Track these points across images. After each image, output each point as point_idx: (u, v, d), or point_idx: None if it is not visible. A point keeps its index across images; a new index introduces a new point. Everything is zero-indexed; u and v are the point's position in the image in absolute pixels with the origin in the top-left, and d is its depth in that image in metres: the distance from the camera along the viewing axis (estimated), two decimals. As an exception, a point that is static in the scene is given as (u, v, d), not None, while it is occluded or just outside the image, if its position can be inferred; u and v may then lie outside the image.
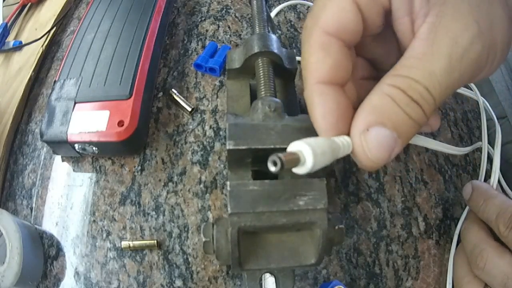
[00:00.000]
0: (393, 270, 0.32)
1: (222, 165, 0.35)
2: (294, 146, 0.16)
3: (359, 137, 0.17)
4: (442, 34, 0.17)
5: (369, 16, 0.20)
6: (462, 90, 0.40)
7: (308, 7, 0.46)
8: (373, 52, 0.24)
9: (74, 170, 0.36)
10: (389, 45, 0.23)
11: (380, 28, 0.21)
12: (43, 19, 0.46)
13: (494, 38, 0.18)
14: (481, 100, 0.38)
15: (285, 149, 0.22)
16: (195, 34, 0.43)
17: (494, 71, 0.20)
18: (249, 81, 0.30)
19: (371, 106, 0.18)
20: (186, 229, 0.33)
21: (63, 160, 0.36)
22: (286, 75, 0.30)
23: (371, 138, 0.17)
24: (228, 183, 0.21)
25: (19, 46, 0.43)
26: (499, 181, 0.33)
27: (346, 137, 0.18)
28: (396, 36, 0.22)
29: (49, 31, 0.44)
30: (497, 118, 0.37)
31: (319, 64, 0.19)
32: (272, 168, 0.15)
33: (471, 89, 0.40)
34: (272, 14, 0.42)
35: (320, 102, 0.19)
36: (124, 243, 0.31)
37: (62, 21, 0.47)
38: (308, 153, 0.16)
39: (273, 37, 0.29)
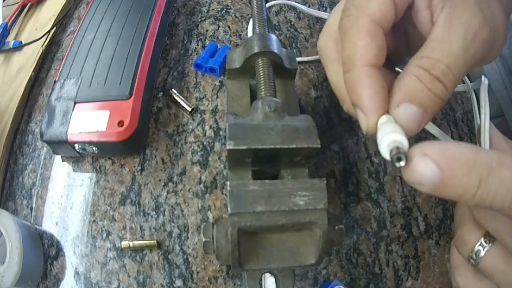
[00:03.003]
0: (393, 270, 0.32)
1: (222, 165, 0.35)
2: (395, 138, 0.18)
3: (392, 113, 0.20)
4: (456, 20, 0.20)
5: (398, 9, 0.22)
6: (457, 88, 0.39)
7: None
8: (388, 45, 0.25)
9: (74, 170, 0.36)
10: (400, 40, 0.26)
11: (397, 21, 0.23)
12: (43, 19, 0.46)
13: (496, 25, 0.21)
14: (472, 91, 0.36)
15: (285, 149, 0.22)
16: (195, 34, 0.43)
17: (496, 56, 0.23)
18: (249, 81, 0.30)
19: (400, 85, 0.20)
20: (186, 229, 0.33)
21: (63, 160, 0.36)
22: (286, 75, 0.30)
23: (400, 114, 0.19)
24: (228, 183, 0.21)
25: (19, 46, 0.43)
26: None
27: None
28: (407, 31, 0.25)
29: (49, 31, 0.44)
30: (495, 117, 0.36)
31: (368, 48, 0.21)
32: (401, 164, 0.17)
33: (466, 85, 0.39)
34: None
35: (370, 84, 0.20)
36: (124, 243, 0.31)
37: (62, 21, 0.47)
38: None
39: (273, 37, 0.29)
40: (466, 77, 0.38)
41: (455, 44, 0.20)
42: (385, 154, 0.18)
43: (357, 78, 0.21)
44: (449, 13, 0.21)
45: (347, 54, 0.21)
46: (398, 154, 0.17)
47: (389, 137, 0.18)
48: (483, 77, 0.27)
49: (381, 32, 0.21)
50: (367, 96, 0.20)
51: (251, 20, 0.41)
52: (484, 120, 0.25)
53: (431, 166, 0.17)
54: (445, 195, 0.18)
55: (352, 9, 0.22)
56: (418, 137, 0.36)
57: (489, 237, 0.22)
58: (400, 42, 0.26)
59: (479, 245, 0.22)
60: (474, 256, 0.22)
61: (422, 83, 0.20)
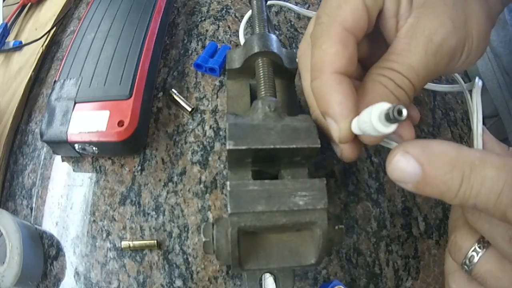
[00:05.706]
0: (393, 270, 0.32)
1: (222, 165, 0.35)
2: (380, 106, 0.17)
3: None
4: (419, 33, 0.20)
5: (371, 16, 0.22)
6: (451, 87, 0.38)
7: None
8: (364, 52, 0.25)
9: (74, 170, 0.36)
10: (378, 46, 0.25)
11: (371, 29, 0.23)
12: (43, 19, 0.46)
13: (469, 31, 0.20)
14: (467, 92, 0.36)
15: (285, 149, 0.22)
16: (195, 34, 0.43)
17: (474, 60, 0.22)
18: (249, 81, 0.30)
19: (366, 90, 0.20)
20: (186, 229, 0.33)
21: (63, 160, 0.36)
22: (286, 75, 0.30)
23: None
24: (228, 183, 0.21)
25: (19, 46, 0.43)
26: None
27: None
28: (383, 37, 0.25)
29: (49, 31, 0.44)
30: (489, 117, 0.36)
31: (338, 56, 0.20)
32: (404, 114, 0.15)
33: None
34: None
35: (339, 90, 0.20)
36: (124, 243, 0.31)
37: (62, 21, 0.47)
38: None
39: (273, 37, 0.29)
40: (460, 78, 0.38)
41: (414, 59, 0.20)
42: (379, 122, 0.16)
43: (325, 85, 0.20)
44: (412, 24, 0.20)
45: (316, 61, 0.21)
46: (397, 107, 0.15)
47: (378, 106, 0.17)
48: (477, 79, 0.26)
49: (353, 40, 0.21)
50: (336, 102, 0.20)
51: (244, 19, 0.41)
52: (476, 125, 0.24)
53: (412, 163, 0.17)
54: (428, 193, 0.18)
55: (323, 17, 0.22)
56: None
57: (483, 243, 0.22)
58: (380, 48, 0.25)
59: (473, 251, 0.22)
60: (467, 262, 0.22)
61: (387, 88, 0.20)
